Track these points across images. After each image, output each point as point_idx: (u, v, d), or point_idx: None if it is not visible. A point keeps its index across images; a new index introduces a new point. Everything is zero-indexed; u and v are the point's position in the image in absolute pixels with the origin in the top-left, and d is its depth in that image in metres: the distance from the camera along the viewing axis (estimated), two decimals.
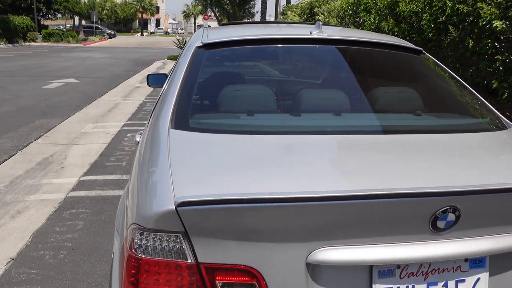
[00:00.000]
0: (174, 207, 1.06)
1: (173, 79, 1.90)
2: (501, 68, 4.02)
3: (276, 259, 1.13)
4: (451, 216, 1.15)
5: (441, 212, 1.14)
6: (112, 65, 16.48)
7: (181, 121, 1.59)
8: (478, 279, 1.25)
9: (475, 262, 1.24)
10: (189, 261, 1.12)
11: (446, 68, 2.31)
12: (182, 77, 1.85)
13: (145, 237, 1.13)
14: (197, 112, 1.75)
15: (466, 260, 1.24)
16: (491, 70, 4.26)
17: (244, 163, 1.32)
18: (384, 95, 2.03)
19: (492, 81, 4.17)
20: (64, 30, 37.27)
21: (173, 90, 1.78)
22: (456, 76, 2.22)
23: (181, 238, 1.11)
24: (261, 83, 2.29)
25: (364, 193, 1.10)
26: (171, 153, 1.33)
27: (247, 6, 29.80)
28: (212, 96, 1.93)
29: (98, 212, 3.69)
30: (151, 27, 79.43)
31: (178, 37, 20.05)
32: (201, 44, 2.07)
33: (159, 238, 1.12)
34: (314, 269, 1.17)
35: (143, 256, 1.13)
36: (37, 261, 2.91)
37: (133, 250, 1.14)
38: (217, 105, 1.86)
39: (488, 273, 1.26)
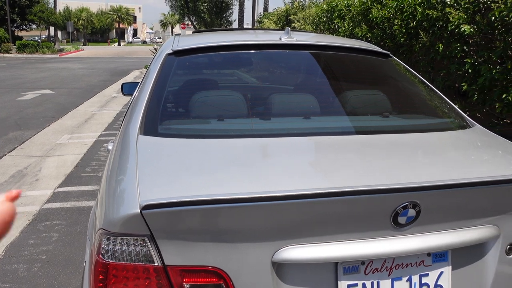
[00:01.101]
0: (139, 211, 1.07)
1: (143, 87, 1.91)
2: (470, 71, 4.14)
3: (242, 259, 1.15)
4: (411, 212, 1.19)
5: (401, 208, 1.17)
6: (88, 75, 16.31)
7: (150, 127, 1.60)
8: (441, 272, 1.29)
9: (438, 257, 1.28)
10: (156, 264, 1.12)
11: (413, 71, 2.37)
12: (152, 84, 1.86)
13: (112, 242, 1.13)
14: (167, 118, 1.76)
15: (428, 254, 1.27)
16: (461, 73, 4.38)
17: (210, 166, 1.33)
18: (352, 98, 2.08)
19: (462, 84, 4.28)
20: (39, 41, 36.73)
21: (142, 97, 1.79)
22: (423, 78, 2.28)
23: (148, 242, 1.11)
24: (231, 88, 2.31)
25: (326, 191, 1.13)
26: (139, 159, 1.34)
27: (225, 15, 29.95)
28: (181, 102, 1.94)
29: (73, 224, 3.64)
30: (129, 36, 78.93)
31: (155, 47, 20.00)
32: (171, 51, 2.08)
33: (126, 242, 1.12)
34: (280, 268, 1.19)
35: (110, 261, 1.13)
36: (10, 275, 2.85)
37: (101, 255, 1.14)
38: (186, 111, 1.87)
39: (450, 266, 1.30)
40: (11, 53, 30.35)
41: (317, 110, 1.96)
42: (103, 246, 1.14)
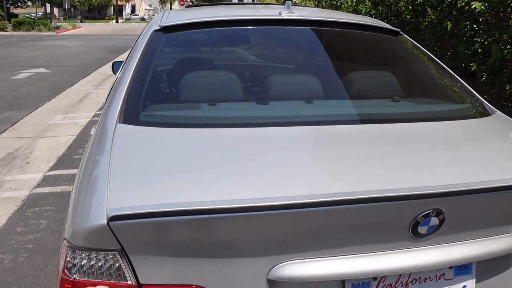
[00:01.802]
0: (105, 222, 0.89)
1: (126, 67, 1.71)
2: (479, 51, 3.91)
3: (231, 276, 0.97)
4: (434, 220, 1.01)
5: (423, 216, 0.99)
6: (84, 53, 15.96)
7: (130, 114, 1.40)
8: (464, 287, 1.11)
9: (461, 269, 1.11)
10: (129, 282, 0.95)
11: (425, 50, 2.16)
12: (135, 64, 1.65)
13: (79, 256, 0.95)
14: (150, 103, 1.56)
15: (450, 267, 1.10)
16: (470, 53, 4.16)
17: (196, 164, 1.14)
18: (359, 79, 1.88)
19: (471, 64, 4.06)
20: (35, 18, 36.02)
21: (125, 79, 1.59)
22: (436, 59, 2.07)
23: (118, 257, 0.93)
24: (224, 69, 2.10)
25: (332, 199, 0.95)
26: (114, 154, 1.15)
27: None
28: (168, 84, 1.74)
29: (62, 209, 3.47)
30: (127, 13, 77.65)
31: None
32: (158, 28, 1.87)
33: (94, 257, 0.95)
34: (277, 287, 1.01)
35: (77, 277, 0.95)
36: None
37: (66, 271, 0.96)
38: (174, 94, 1.67)
39: (474, 279, 1.13)
40: (6, 31, 29.73)
41: (320, 93, 1.76)
42: (68, 259, 0.96)
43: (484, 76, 3.96)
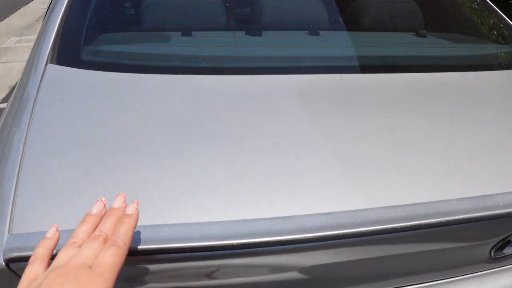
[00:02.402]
0: (3, 263, 0.52)
1: None
2: None
3: None
4: None
5: None
6: None
7: (67, 50, 0.98)
8: None
9: None
10: None
11: None
12: None
13: None
14: (97, 33, 1.11)
15: None
16: None
17: (159, 148, 0.75)
18: (376, 5, 1.46)
19: None
20: None
21: None
22: None
23: None
24: None
25: (388, 227, 0.59)
26: (34, 122, 0.76)
27: None
28: (124, 5, 1.27)
29: None
30: None
31: None
32: None
33: None
34: None
35: None
36: None
37: None
38: (132, 19, 1.23)
39: None
40: None
41: (328, 21, 1.35)
42: None
43: None
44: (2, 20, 6.87)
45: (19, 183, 0.64)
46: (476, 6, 1.58)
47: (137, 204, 0.58)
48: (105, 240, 0.52)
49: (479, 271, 0.78)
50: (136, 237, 0.57)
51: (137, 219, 0.56)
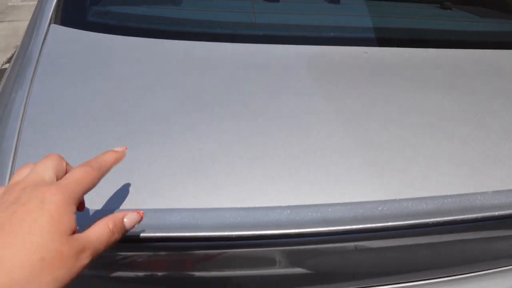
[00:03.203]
0: None
1: None
2: None
3: None
4: None
5: None
6: None
7: (72, 9, 0.91)
8: None
9: None
10: None
11: None
12: None
13: None
14: None
15: None
16: None
17: (166, 128, 0.68)
18: None
19: None
20: None
21: None
22: None
23: None
24: None
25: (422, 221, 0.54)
26: (35, 86, 0.70)
27: None
28: None
29: None
30: None
31: None
32: None
33: None
34: None
35: None
36: None
37: None
38: None
39: None
40: None
41: None
42: None
43: None
44: None
45: (17, 157, 0.59)
46: None
47: (126, 149, 0.52)
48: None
49: (503, 266, 0.74)
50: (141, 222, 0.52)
51: (122, 156, 0.51)
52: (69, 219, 0.41)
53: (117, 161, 0.50)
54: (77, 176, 0.45)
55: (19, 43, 1.14)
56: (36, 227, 0.39)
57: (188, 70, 0.80)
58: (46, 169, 0.46)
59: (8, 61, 3.79)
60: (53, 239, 0.39)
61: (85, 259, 0.41)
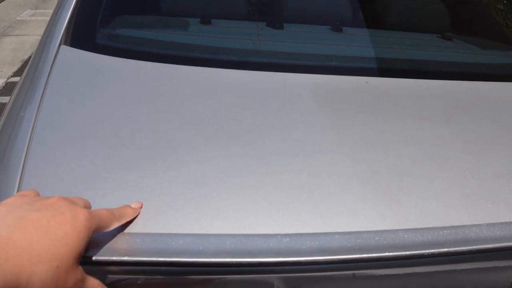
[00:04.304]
0: None
1: None
2: None
3: None
4: None
5: None
6: None
7: (82, 31, 0.94)
8: None
9: None
10: None
11: None
12: None
13: None
14: (116, 13, 1.06)
15: None
16: None
17: (175, 152, 0.69)
18: (400, 4, 1.40)
19: None
20: None
21: None
22: None
23: None
24: None
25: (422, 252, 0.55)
26: (42, 113, 0.72)
27: None
28: None
29: None
30: None
31: None
32: None
33: None
34: None
35: None
36: None
37: None
38: (152, 1, 1.17)
39: None
40: None
41: (351, 16, 1.29)
42: None
43: None
44: None
45: (24, 176, 0.61)
46: (501, 7, 1.51)
47: (142, 206, 0.59)
48: None
49: None
50: (141, 246, 0.53)
51: (137, 213, 0.57)
52: (84, 245, 0.47)
53: (132, 216, 0.56)
54: (103, 215, 0.51)
55: (28, 56, 1.15)
56: (65, 238, 0.45)
57: (192, 96, 0.82)
58: (79, 197, 0.53)
59: (15, 74, 3.83)
60: (68, 258, 0.45)
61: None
